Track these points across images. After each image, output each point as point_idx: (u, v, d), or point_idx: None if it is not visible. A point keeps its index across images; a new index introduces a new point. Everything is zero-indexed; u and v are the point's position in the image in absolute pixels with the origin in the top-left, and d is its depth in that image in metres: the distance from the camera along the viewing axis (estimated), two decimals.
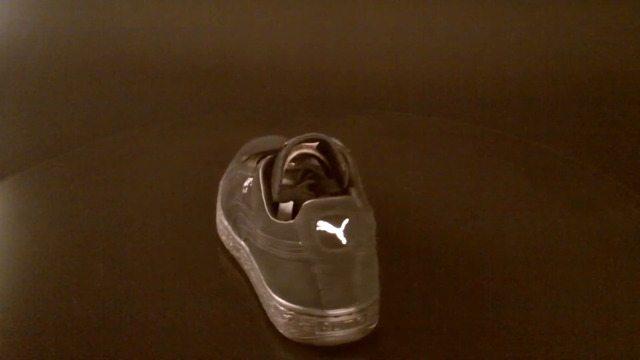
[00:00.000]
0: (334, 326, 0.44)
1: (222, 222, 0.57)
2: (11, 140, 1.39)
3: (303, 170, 0.51)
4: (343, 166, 0.48)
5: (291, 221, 0.45)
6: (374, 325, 0.45)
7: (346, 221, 0.43)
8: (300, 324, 0.45)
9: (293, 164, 0.51)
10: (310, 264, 0.44)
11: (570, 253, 0.57)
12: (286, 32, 1.62)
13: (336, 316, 0.43)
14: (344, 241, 0.43)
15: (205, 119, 0.94)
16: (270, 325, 0.47)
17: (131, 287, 0.52)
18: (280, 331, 0.46)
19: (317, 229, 0.43)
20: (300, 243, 0.44)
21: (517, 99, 1.44)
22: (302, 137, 0.50)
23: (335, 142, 0.51)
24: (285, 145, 0.49)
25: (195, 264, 0.55)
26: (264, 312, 0.48)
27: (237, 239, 0.53)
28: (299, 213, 0.44)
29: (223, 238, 0.56)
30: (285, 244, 0.45)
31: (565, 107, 1.41)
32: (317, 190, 0.49)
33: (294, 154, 0.50)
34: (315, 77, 1.53)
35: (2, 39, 1.68)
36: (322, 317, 0.44)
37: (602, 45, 1.51)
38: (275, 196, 0.48)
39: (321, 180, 0.49)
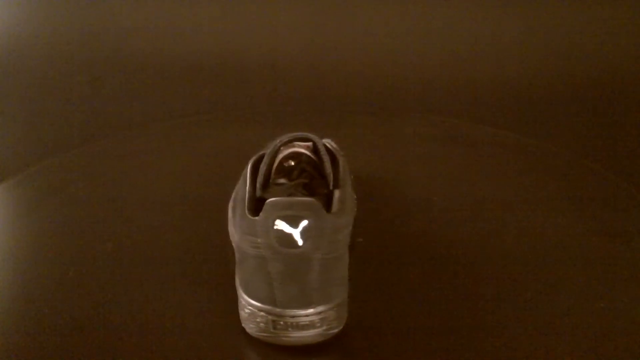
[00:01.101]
0: (288, 326, 0.44)
1: (229, 213, 0.57)
2: (11, 140, 1.39)
3: (299, 169, 0.51)
4: (328, 167, 0.48)
5: (256, 217, 0.45)
6: (336, 330, 0.45)
7: (304, 222, 0.43)
8: (257, 319, 0.45)
9: (292, 162, 0.52)
10: (266, 262, 0.44)
11: (572, 252, 0.57)
12: (286, 32, 1.62)
13: (292, 316, 0.44)
14: (300, 242, 0.43)
15: (205, 119, 0.95)
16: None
17: (132, 286, 0.52)
18: (243, 325, 0.46)
19: (275, 227, 0.43)
20: (259, 240, 0.44)
21: (517, 99, 1.44)
22: (291, 135, 0.50)
23: (327, 143, 0.51)
24: (273, 143, 0.50)
25: (196, 262, 0.55)
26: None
27: (233, 230, 0.53)
28: (262, 210, 0.44)
29: (229, 229, 0.57)
30: (248, 239, 0.45)
31: (565, 107, 1.41)
32: (309, 190, 0.49)
33: (286, 152, 0.50)
34: (315, 76, 1.53)
35: (2, 39, 1.68)
36: (277, 315, 0.44)
37: (602, 45, 1.51)
38: (257, 192, 0.48)
39: (313, 180, 0.50)
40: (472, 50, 1.55)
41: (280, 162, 0.52)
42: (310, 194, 0.49)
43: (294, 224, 0.43)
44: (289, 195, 0.48)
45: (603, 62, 1.49)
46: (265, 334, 0.45)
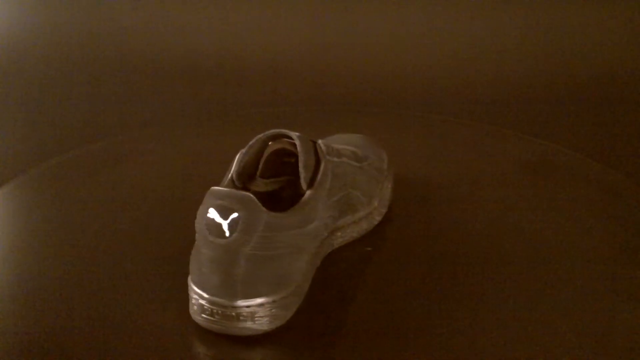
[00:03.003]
0: (214, 314, 0.45)
1: None
2: (11, 140, 1.39)
3: (292, 166, 0.51)
4: (301, 167, 0.49)
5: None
6: (266, 328, 0.45)
7: (234, 215, 0.43)
8: (192, 302, 0.46)
9: (293, 160, 0.52)
10: (199, 247, 0.45)
11: (572, 252, 0.57)
12: (286, 32, 1.62)
13: (218, 305, 0.44)
14: (227, 233, 0.43)
15: (205, 119, 0.94)
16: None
17: (131, 287, 0.52)
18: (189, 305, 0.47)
19: (207, 215, 0.44)
20: (197, 225, 0.45)
21: (517, 99, 1.44)
22: (276, 131, 0.51)
23: (319, 145, 0.51)
24: (257, 137, 0.51)
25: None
26: None
27: None
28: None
29: None
30: (195, 222, 0.46)
31: (564, 107, 1.41)
32: (296, 187, 0.50)
33: (275, 148, 0.52)
34: (315, 76, 1.54)
35: (2, 39, 1.68)
36: (205, 301, 0.45)
37: (602, 45, 1.51)
38: (236, 182, 0.50)
39: (298, 178, 0.50)
40: (472, 50, 1.55)
41: (278, 158, 0.53)
42: (296, 191, 0.49)
43: (224, 215, 0.43)
44: (271, 189, 0.49)
45: (603, 62, 1.49)
46: (197, 317, 0.46)
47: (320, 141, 0.52)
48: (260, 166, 0.52)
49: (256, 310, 0.44)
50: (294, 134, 0.50)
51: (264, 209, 0.44)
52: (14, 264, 0.57)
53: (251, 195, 0.44)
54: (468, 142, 0.81)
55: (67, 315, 0.49)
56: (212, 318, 0.45)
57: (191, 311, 0.47)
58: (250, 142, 0.51)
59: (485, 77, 1.50)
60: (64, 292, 0.52)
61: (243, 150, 0.51)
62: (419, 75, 1.52)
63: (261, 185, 0.52)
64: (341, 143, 0.62)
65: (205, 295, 0.45)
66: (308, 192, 0.48)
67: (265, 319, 0.45)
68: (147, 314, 0.49)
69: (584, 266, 0.55)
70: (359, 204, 0.57)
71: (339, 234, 0.55)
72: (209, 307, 0.45)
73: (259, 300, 0.44)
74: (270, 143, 0.52)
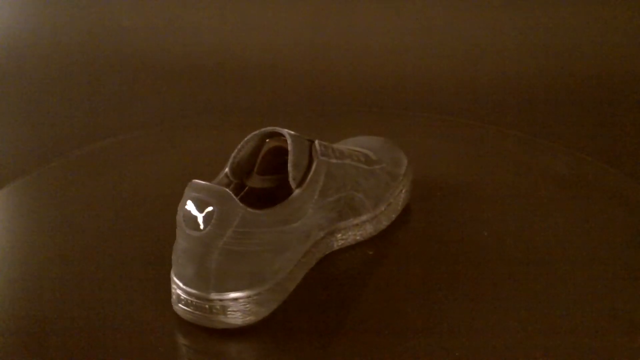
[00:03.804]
0: (190, 305, 0.45)
1: None
2: (11, 141, 1.39)
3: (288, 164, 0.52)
4: (290, 165, 0.49)
5: None
6: (241, 322, 0.46)
7: (209, 209, 0.44)
8: (172, 291, 0.47)
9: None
10: (177, 238, 0.46)
11: (571, 252, 0.57)
12: (286, 32, 1.62)
13: (191, 296, 0.45)
14: (202, 226, 0.44)
15: (205, 120, 0.94)
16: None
17: (132, 288, 0.52)
18: None
19: (184, 207, 0.45)
20: (177, 217, 0.46)
21: (517, 99, 1.44)
22: (271, 129, 0.51)
23: (315, 144, 0.51)
24: (252, 134, 0.52)
25: None
26: None
27: None
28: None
29: None
30: (176, 215, 0.46)
31: (564, 107, 1.41)
32: (286, 185, 0.51)
33: (271, 145, 0.52)
34: (315, 77, 1.53)
35: (2, 39, 1.68)
36: (180, 291, 0.45)
37: (602, 45, 1.51)
38: (230, 177, 0.51)
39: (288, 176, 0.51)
40: (472, 49, 1.55)
41: (277, 157, 0.53)
42: (286, 188, 0.50)
43: (200, 208, 0.44)
44: (272, 187, 0.51)
45: (603, 62, 1.49)
46: (176, 307, 0.47)
47: (317, 141, 0.51)
48: (258, 163, 0.52)
49: (229, 305, 0.45)
50: (286, 132, 0.50)
51: (240, 204, 0.44)
52: (14, 264, 0.57)
53: (227, 190, 0.44)
54: (468, 142, 0.81)
55: (68, 316, 0.49)
56: (187, 308, 0.46)
57: (172, 300, 0.47)
58: (245, 139, 0.52)
59: (485, 77, 1.50)
60: (64, 292, 0.52)
61: (238, 147, 0.51)
62: (419, 75, 1.52)
63: (258, 181, 0.53)
64: (357, 145, 0.62)
65: (181, 285, 0.45)
66: (296, 191, 0.49)
67: (238, 313, 0.45)
68: (144, 311, 0.49)
69: (584, 266, 0.55)
70: (362, 207, 0.56)
71: (338, 235, 0.55)
72: (185, 298, 0.45)
73: (232, 295, 0.45)
74: (267, 140, 0.52)
